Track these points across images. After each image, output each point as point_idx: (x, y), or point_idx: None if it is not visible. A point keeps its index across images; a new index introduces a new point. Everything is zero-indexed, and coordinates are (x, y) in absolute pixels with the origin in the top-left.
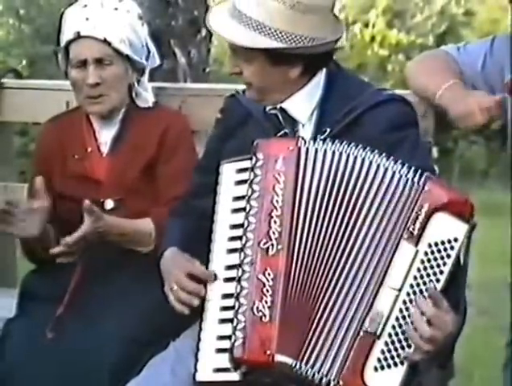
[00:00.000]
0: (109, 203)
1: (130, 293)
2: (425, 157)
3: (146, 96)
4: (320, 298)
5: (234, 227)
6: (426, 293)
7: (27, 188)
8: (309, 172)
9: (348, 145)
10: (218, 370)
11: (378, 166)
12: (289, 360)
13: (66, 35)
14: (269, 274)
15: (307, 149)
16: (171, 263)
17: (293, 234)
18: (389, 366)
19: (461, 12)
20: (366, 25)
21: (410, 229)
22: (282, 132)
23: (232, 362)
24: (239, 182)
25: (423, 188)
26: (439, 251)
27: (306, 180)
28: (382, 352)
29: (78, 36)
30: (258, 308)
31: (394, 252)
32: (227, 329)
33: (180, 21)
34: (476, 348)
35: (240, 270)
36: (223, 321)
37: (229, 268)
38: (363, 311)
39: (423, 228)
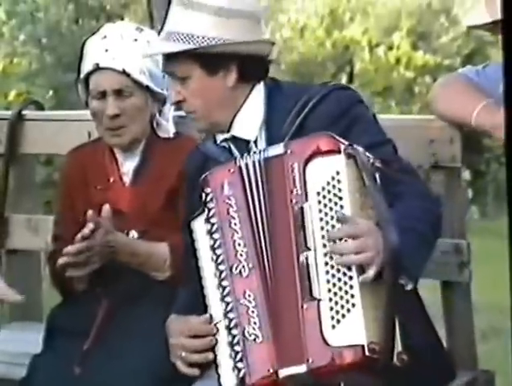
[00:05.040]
0: (133, 234)
1: (155, 325)
2: (376, 130)
3: (167, 126)
4: (292, 298)
5: (215, 272)
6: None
7: (53, 220)
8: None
9: None
10: None
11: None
12: (298, 369)
13: (86, 67)
14: (249, 295)
15: (247, 164)
16: (170, 332)
17: (259, 249)
18: (343, 316)
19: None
20: (391, 47)
21: (294, 192)
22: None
23: None
24: (208, 231)
25: (286, 153)
26: (328, 192)
27: (256, 193)
28: (331, 309)
29: (97, 67)
30: (249, 332)
31: (296, 220)
32: None
33: None
34: None
35: (223, 304)
36: None
37: (225, 313)
38: (301, 287)
39: (304, 184)
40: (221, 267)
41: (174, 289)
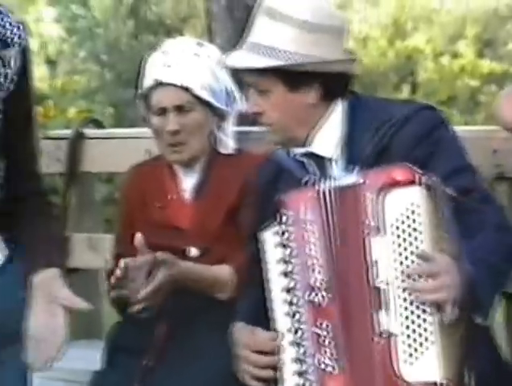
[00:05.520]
0: (194, 251)
1: (214, 344)
2: (459, 155)
3: (227, 142)
4: (367, 331)
5: (286, 290)
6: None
7: (114, 239)
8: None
9: None
10: None
11: None
12: None
13: (146, 82)
14: (327, 326)
15: (324, 190)
16: (235, 341)
17: (336, 278)
18: (421, 353)
19: None
20: (455, 55)
21: (367, 223)
22: (306, 178)
23: None
24: (278, 245)
25: (360, 182)
26: (404, 223)
27: (331, 221)
28: (408, 345)
29: (158, 83)
30: (323, 362)
31: (365, 252)
32: None
33: None
34: None
35: (299, 332)
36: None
37: (291, 331)
38: (377, 321)
39: (379, 215)
40: (298, 293)
41: (234, 308)
